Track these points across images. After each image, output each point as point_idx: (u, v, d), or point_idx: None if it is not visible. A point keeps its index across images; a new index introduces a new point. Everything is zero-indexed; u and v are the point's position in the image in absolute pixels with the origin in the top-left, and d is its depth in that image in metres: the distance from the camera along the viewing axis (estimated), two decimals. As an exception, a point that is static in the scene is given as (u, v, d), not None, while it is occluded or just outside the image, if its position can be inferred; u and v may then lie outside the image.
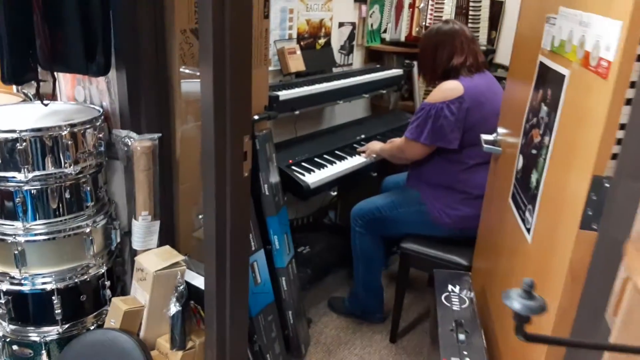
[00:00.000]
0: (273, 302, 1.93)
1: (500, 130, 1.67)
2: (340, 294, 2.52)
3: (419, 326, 2.33)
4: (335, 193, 2.16)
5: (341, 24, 2.91)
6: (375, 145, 2.32)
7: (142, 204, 1.52)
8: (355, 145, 2.51)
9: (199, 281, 1.55)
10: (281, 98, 2.15)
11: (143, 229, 1.51)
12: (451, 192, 1.99)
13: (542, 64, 1.28)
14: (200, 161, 1.40)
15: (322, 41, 2.78)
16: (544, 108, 1.21)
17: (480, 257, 1.81)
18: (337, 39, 2.91)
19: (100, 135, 1.47)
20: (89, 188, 1.44)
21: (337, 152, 2.40)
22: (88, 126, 1.42)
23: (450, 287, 1.50)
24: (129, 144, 1.46)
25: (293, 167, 2.17)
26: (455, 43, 1.98)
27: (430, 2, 3.08)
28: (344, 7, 2.89)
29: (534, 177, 1.24)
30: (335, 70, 2.89)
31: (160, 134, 1.49)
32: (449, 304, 1.42)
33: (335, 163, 2.29)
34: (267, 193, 1.88)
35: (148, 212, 1.53)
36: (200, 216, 1.74)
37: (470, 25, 3.09)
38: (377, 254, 2.22)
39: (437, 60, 2.00)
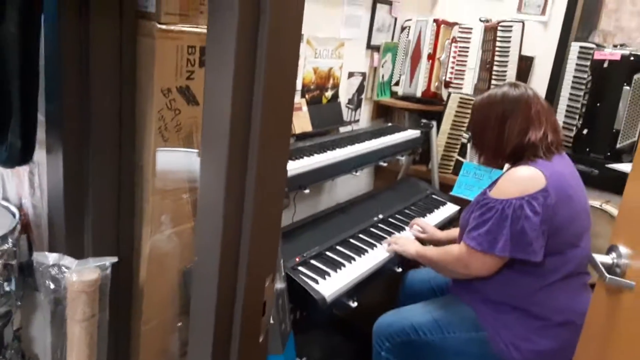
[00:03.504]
0: None
1: (625, 250, 1.15)
2: None
3: None
4: (355, 304, 1.58)
5: (351, 74, 2.40)
6: (409, 247, 1.74)
7: (78, 375, 0.90)
8: (372, 229, 1.95)
9: None
10: (289, 173, 1.59)
11: (76, 420, 0.89)
12: (523, 317, 1.45)
13: None
14: (191, 322, 0.81)
15: (329, 94, 2.26)
16: None
17: None
18: (346, 91, 2.39)
19: (12, 263, 0.85)
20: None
21: (352, 241, 1.83)
22: (-14, 249, 0.80)
23: None
24: (60, 278, 0.85)
25: (301, 269, 1.58)
26: (530, 113, 1.48)
27: (452, 54, 2.63)
28: (355, 54, 2.39)
29: None
30: (342, 129, 2.36)
31: (116, 258, 0.89)
32: None
33: (353, 260, 1.71)
34: (271, 321, 1.29)
35: (87, 387, 0.91)
36: (172, 369, 1.12)
37: (494, 83, 2.65)
38: (410, 389, 1.64)
39: (505, 135, 1.49)
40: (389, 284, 2.03)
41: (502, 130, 1.49)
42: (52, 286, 0.85)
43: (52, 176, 0.87)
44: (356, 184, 2.56)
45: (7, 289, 0.85)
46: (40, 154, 0.88)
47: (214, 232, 0.74)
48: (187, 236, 1.10)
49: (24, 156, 0.77)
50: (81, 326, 0.88)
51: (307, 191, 1.71)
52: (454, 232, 1.88)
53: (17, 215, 0.90)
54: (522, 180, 1.41)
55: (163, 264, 1.05)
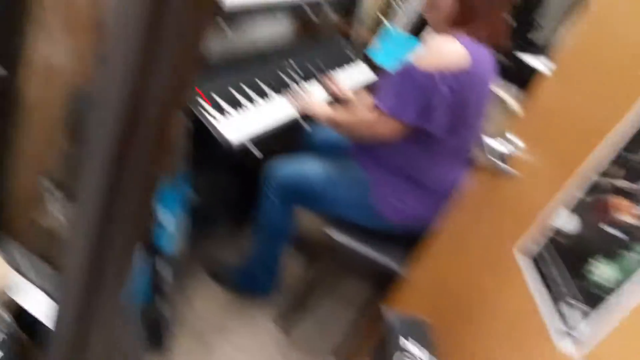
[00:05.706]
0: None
1: (516, 141, 1.21)
2: (229, 254, 2.00)
3: (320, 311, 1.95)
4: (262, 156, 1.55)
5: None
6: (315, 107, 1.70)
7: None
8: (283, 76, 1.88)
9: (37, 301, 0.95)
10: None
11: None
12: (403, 179, 1.54)
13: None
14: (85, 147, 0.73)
15: None
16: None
17: (424, 282, 1.43)
18: None
19: None
20: None
21: (260, 83, 1.76)
22: None
23: (404, 342, 1.10)
24: None
25: (201, 102, 1.50)
26: None
27: None
28: None
29: (603, 269, 0.83)
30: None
31: (4, 70, 0.76)
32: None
33: (257, 102, 1.66)
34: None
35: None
36: (50, 184, 1.06)
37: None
38: (286, 229, 1.73)
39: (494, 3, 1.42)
40: (289, 139, 2.02)
41: None
42: None
43: None
44: (276, 31, 2.39)
45: None
46: None
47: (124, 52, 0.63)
48: (84, 52, 0.96)
49: None
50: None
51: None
52: (366, 96, 1.88)
53: None
54: (447, 54, 1.37)
55: (53, 80, 0.92)
